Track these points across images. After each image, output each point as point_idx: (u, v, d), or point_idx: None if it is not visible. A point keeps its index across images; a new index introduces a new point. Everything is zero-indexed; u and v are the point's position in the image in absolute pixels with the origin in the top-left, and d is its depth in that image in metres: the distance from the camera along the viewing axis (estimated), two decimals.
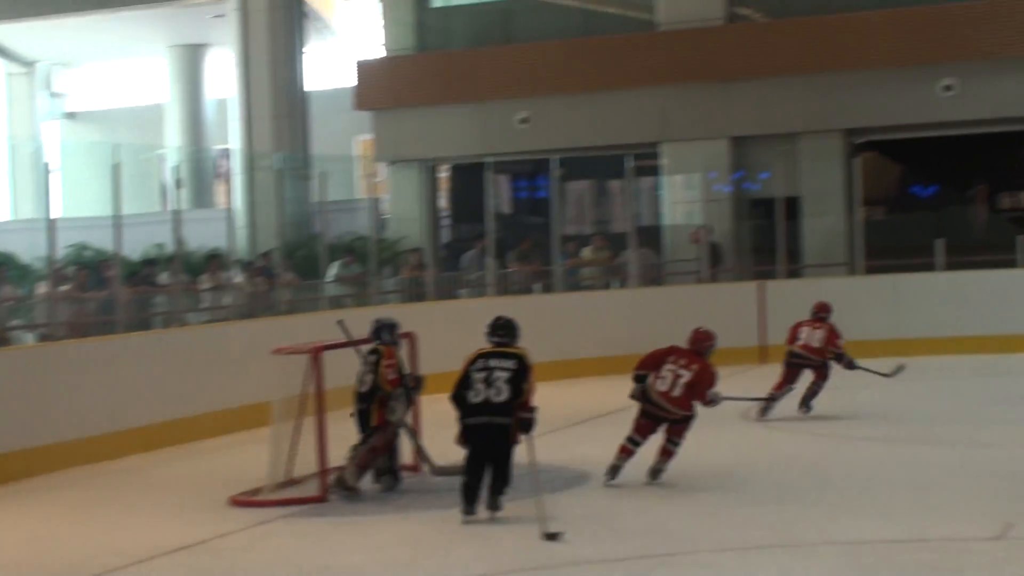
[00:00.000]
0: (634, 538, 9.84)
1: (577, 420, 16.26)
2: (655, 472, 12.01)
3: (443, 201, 29.06)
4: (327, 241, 22.00)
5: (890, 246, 24.52)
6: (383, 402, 12.06)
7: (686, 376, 11.91)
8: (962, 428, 14.57)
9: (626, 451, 12.00)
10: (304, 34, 29.14)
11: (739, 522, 10.25)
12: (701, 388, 11.95)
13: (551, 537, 9.84)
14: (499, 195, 27.79)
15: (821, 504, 10.81)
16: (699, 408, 12.06)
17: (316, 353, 12.01)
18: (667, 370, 11.96)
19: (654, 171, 26.62)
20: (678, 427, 11.97)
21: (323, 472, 11.89)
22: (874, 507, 10.60)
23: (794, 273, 24.08)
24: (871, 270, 23.03)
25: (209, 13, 30.78)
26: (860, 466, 12.54)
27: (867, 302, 21.96)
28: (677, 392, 11.88)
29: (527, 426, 10.71)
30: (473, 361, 10.97)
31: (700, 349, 12.28)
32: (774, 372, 18.63)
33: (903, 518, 10.13)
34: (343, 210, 26.54)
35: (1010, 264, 22.47)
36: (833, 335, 16.11)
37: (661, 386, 11.90)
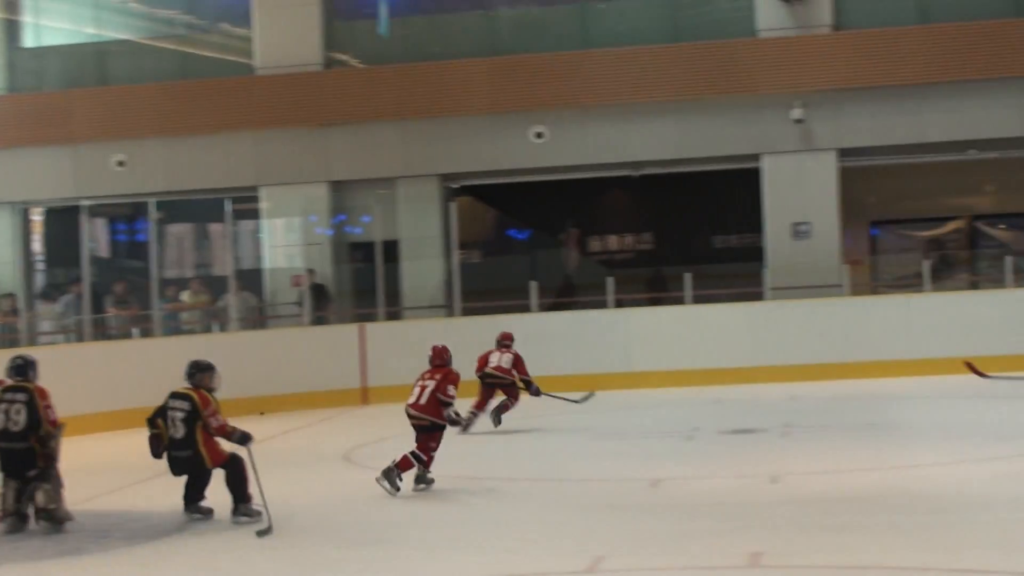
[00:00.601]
0: None
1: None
2: (388, 475, 12.96)
3: (37, 245, 28.25)
4: None
5: (487, 288, 25.12)
6: (43, 442, 11.94)
7: (431, 385, 13.37)
8: (553, 464, 15.00)
9: (426, 461, 13.24)
10: None
11: (336, 564, 10.29)
12: (443, 386, 13.35)
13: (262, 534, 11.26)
14: (96, 239, 27.22)
15: (416, 543, 10.92)
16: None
17: None
18: (416, 386, 13.42)
19: (255, 214, 26.56)
20: (425, 436, 13.20)
21: None
22: (468, 544, 10.79)
23: (394, 315, 24.40)
24: (468, 312, 23.55)
25: None
26: (456, 504, 12.76)
27: (465, 343, 22.29)
28: (423, 400, 13.27)
29: (242, 440, 12.06)
30: (169, 398, 12.36)
31: (442, 361, 13.71)
32: (377, 413, 18.92)
33: (496, 554, 10.34)
34: None
35: (601, 305, 23.31)
36: (520, 361, 17.99)
37: (411, 399, 13.32)
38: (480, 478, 14.24)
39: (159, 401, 12.12)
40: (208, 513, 12.28)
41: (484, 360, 18.13)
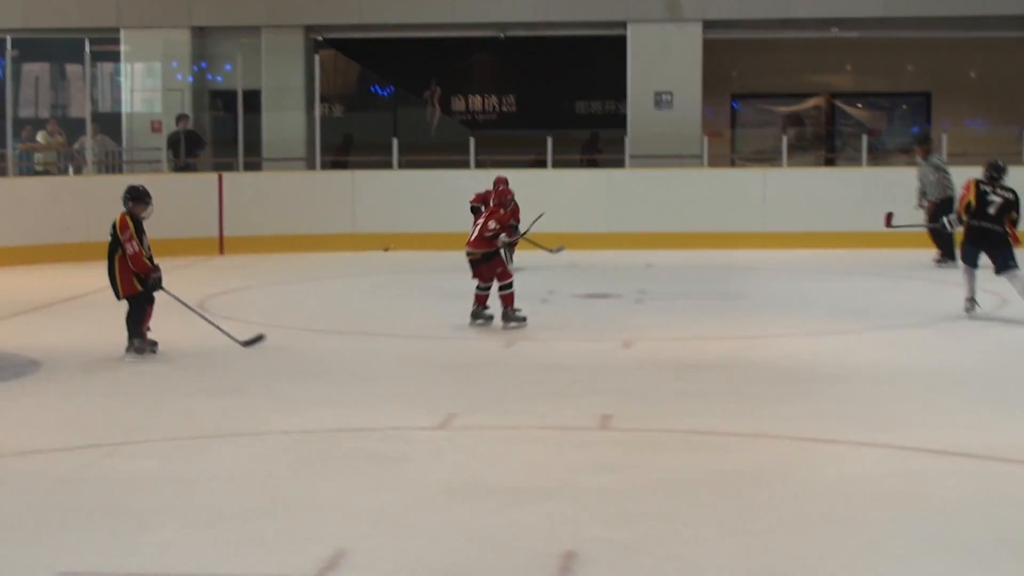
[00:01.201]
0: (86, 428, 9.77)
1: (30, 307, 15.91)
2: (506, 316, 14.11)
3: None
4: None
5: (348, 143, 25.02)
6: None
7: (482, 222, 14.28)
8: (408, 322, 15.06)
9: (480, 298, 14.27)
10: None
11: (191, 412, 10.29)
12: (487, 222, 14.24)
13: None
14: None
15: (268, 394, 10.95)
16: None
17: None
18: (473, 225, 14.55)
19: (114, 57, 26.08)
20: (488, 268, 14.11)
21: None
22: (325, 397, 10.85)
23: (254, 166, 24.19)
24: (328, 165, 23.42)
25: None
26: (309, 358, 12.77)
27: (325, 197, 22.36)
28: (474, 237, 14.24)
29: (153, 285, 12.38)
30: None
31: (498, 202, 15.06)
32: (233, 262, 18.84)
33: (353, 408, 10.42)
34: None
35: (464, 165, 23.30)
36: (515, 209, 17.42)
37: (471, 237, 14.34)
38: (335, 332, 14.27)
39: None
40: (151, 346, 12.47)
41: (483, 198, 17.80)
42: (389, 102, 28.99)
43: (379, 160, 23.34)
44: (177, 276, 18.29)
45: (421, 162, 23.42)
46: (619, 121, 25.74)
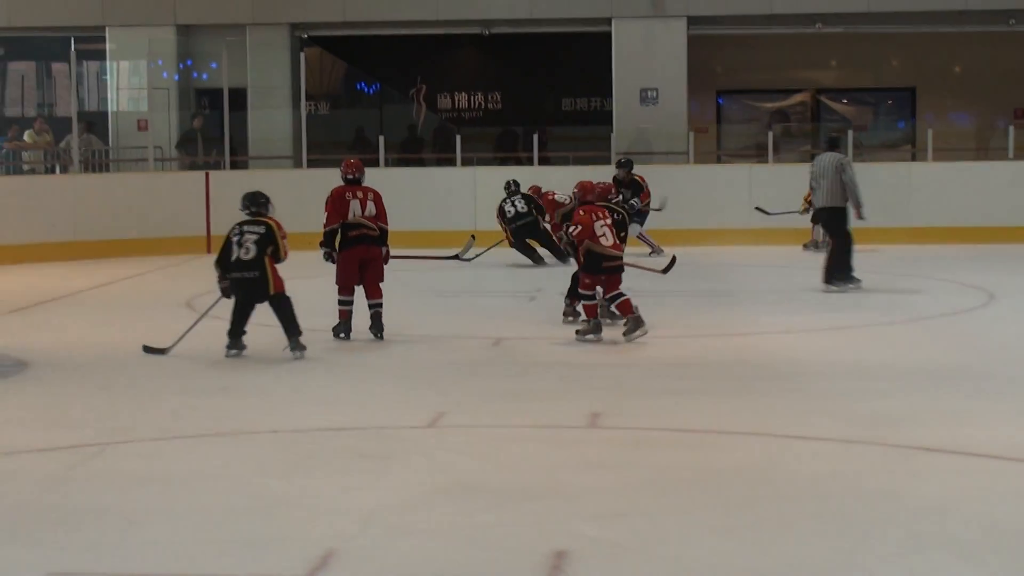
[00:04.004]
0: (74, 428, 9.75)
1: (16, 307, 15.88)
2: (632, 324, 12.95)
3: None
4: None
5: (333, 140, 24.99)
6: None
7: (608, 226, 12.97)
8: (398, 319, 15.01)
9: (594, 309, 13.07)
10: None
11: (180, 411, 10.28)
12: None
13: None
14: None
15: (259, 393, 10.96)
16: None
17: None
18: (601, 227, 12.87)
19: (100, 55, 26.06)
20: (618, 279, 13.05)
21: None
22: (315, 396, 10.86)
23: (239, 164, 24.19)
24: (314, 164, 23.42)
25: None
26: (304, 360, 12.75)
27: (311, 195, 22.26)
28: (614, 242, 12.99)
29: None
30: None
31: (603, 199, 13.45)
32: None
33: (342, 407, 10.41)
34: None
35: (451, 163, 23.29)
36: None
37: (607, 242, 12.87)
38: (323, 330, 14.22)
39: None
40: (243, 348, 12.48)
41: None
42: (375, 99, 28.96)
43: (366, 158, 23.29)
44: (165, 274, 18.33)
45: (408, 160, 23.42)
46: (605, 117, 25.75)
